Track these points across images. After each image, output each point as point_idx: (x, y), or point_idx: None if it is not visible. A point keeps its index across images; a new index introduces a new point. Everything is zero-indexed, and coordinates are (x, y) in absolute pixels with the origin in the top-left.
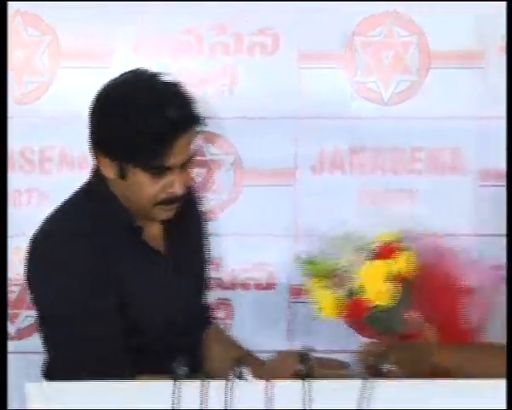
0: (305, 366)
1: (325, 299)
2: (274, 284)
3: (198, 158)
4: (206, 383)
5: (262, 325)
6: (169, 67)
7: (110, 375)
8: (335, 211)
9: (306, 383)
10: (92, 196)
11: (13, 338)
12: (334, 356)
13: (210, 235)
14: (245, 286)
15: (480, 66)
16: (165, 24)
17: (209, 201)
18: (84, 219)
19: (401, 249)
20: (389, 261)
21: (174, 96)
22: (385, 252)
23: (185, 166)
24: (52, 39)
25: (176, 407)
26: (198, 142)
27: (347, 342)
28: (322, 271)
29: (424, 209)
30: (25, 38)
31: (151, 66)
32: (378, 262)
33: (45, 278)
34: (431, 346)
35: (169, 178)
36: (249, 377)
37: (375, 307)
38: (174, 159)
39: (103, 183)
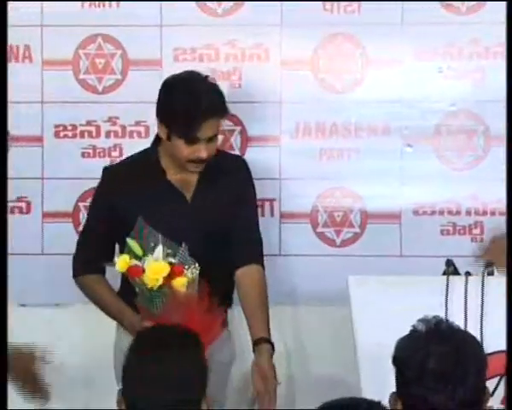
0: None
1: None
2: None
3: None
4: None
5: None
6: None
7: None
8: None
9: None
10: (142, 152)
11: None
12: None
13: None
14: None
15: None
16: None
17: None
18: (129, 160)
19: (184, 274)
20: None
21: (205, 93)
22: (176, 269)
23: (211, 139)
24: None
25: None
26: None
27: None
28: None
29: None
30: None
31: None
32: (165, 265)
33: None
34: None
35: (198, 146)
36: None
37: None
38: (201, 134)
39: (154, 143)
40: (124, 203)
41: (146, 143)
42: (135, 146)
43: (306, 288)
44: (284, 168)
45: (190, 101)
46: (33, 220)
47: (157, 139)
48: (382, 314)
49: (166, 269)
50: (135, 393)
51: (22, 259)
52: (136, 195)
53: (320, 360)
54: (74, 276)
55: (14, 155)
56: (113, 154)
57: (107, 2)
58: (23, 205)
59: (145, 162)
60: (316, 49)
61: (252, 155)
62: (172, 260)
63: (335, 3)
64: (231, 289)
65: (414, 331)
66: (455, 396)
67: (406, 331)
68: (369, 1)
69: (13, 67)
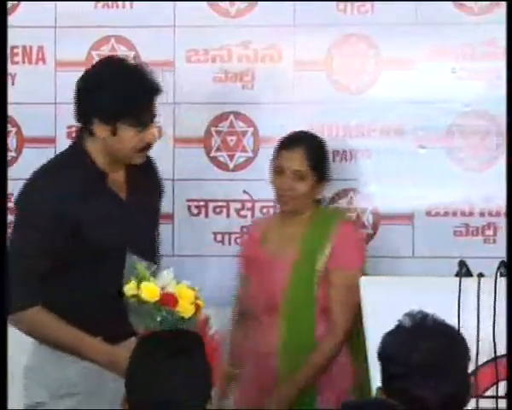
0: None
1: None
2: None
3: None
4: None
5: None
6: None
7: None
8: None
9: None
10: (70, 156)
11: None
12: None
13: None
14: None
15: None
16: None
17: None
18: (61, 166)
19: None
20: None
21: (145, 74)
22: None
23: (153, 122)
24: None
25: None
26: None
27: None
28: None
29: None
30: None
31: None
32: (190, 291)
33: (15, 220)
34: None
35: (146, 131)
36: None
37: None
38: (152, 115)
39: (80, 145)
40: (73, 216)
41: None
42: None
43: None
44: None
45: (137, 84)
46: None
47: (81, 141)
48: (394, 314)
49: (193, 294)
50: (142, 395)
51: None
52: (82, 204)
53: None
54: (18, 310)
55: (27, 155)
56: None
57: (120, 3)
58: None
59: (81, 166)
60: (329, 50)
61: (265, 156)
62: (188, 284)
63: (349, 4)
64: None
65: (399, 327)
66: (439, 391)
67: None
68: (383, 1)
69: (26, 69)
